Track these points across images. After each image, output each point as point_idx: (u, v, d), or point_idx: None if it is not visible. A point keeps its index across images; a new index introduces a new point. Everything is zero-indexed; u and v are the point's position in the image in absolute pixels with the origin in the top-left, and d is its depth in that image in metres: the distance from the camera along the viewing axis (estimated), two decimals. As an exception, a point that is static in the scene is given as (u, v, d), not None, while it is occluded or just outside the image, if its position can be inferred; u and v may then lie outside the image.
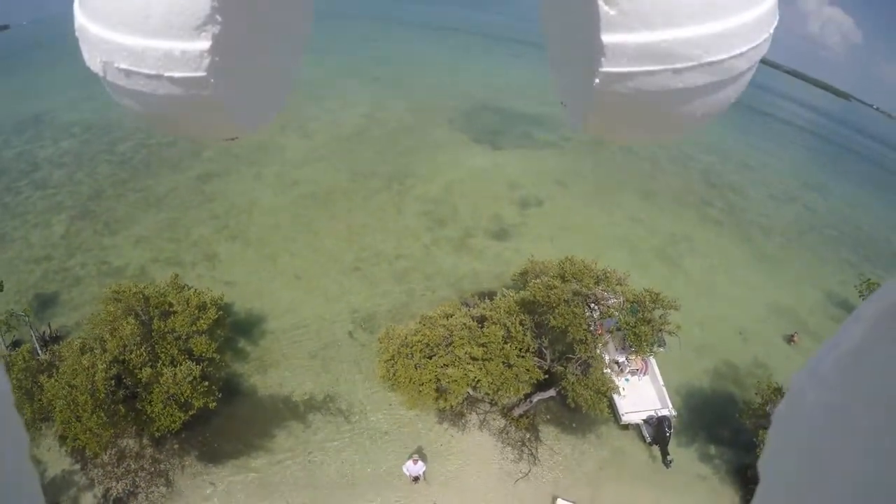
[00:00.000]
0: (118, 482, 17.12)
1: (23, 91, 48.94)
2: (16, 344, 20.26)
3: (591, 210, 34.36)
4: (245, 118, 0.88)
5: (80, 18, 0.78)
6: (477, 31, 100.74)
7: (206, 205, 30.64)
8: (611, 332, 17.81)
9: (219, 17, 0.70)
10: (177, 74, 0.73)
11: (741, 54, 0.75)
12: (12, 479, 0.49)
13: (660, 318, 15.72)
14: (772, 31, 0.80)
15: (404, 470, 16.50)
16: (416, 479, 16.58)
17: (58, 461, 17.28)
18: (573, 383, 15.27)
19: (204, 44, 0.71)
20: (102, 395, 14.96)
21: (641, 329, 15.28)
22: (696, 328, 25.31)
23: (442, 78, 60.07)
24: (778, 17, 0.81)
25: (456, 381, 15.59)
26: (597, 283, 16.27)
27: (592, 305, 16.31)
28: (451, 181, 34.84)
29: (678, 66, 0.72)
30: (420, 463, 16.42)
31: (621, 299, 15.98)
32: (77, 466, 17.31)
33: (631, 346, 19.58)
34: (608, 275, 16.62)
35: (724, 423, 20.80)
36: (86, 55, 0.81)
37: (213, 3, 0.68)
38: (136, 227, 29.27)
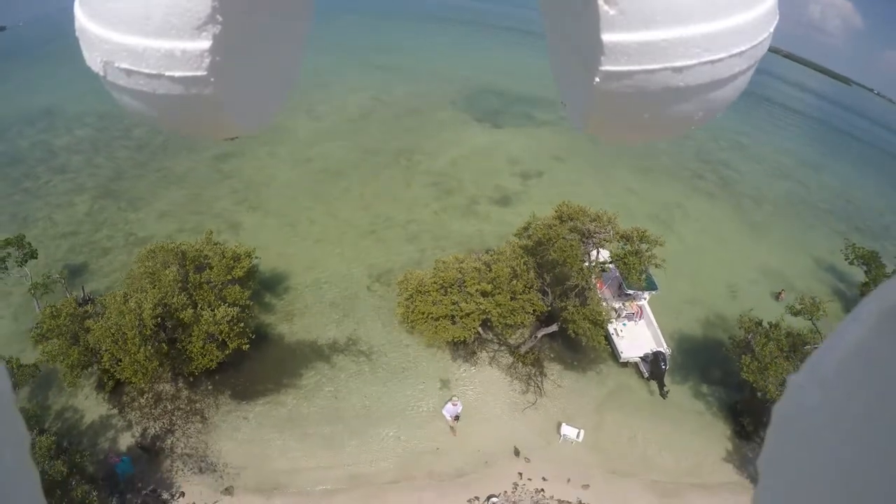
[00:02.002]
0: (155, 421, 18.72)
1: (28, 87, 49.63)
2: None
3: (588, 181, 36.10)
4: (246, 117, 0.90)
5: (81, 18, 0.79)
6: (475, 20, 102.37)
7: (225, 181, 32.34)
8: (604, 268, 19.52)
9: (219, 17, 0.71)
10: (177, 74, 0.75)
11: (741, 53, 0.76)
12: (13, 477, 0.50)
13: (646, 250, 17.48)
14: (772, 29, 0.81)
15: (444, 413, 17.79)
16: (456, 418, 17.88)
17: (95, 408, 18.87)
18: (573, 313, 17.00)
19: (205, 43, 0.73)
20: (149, 331, 16.65)
21: (631, 260, 17.07)
22: (688, 283, 27.08)
23: (443, 64, 61.80)
24: (778, 16, 0.82)
25: (469, 314, 17.33)
26: (591, 222, 18.00)
27: (587, 240, 18.08)
28: (455, 157, 36.69)
29: (678, 64, 0.73)
30: (459, 404, 17.80)
31: (611, 232, 17.74)
32: (115, 411, 18.86)
33: (626, 292, 21.48)
34: (600, 216, 18.36)
35: (715, 365, 22.45)
36: (86, 55, 0.82)
37: (214, 2, 0.70)
38: (158, 203, 30.91)
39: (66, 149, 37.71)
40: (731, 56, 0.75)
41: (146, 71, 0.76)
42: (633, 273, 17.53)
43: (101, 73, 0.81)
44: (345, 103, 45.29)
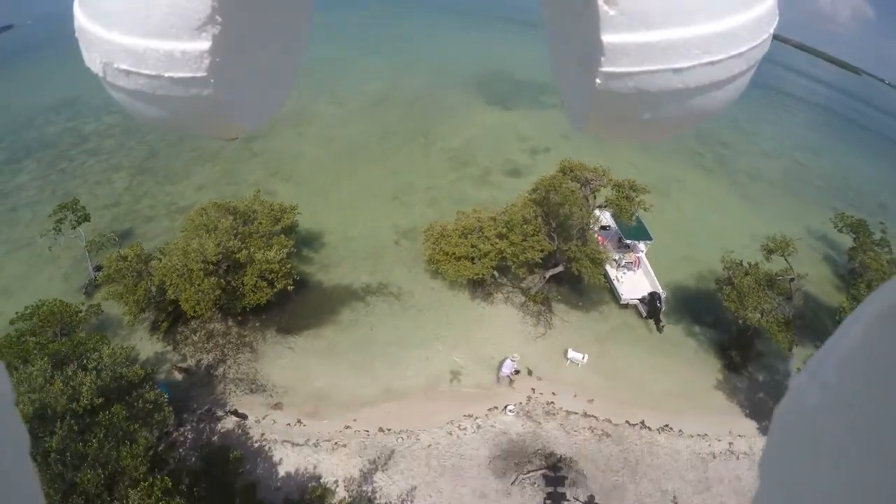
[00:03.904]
0: (208, 354, 21.26)
1: (47, 81, 50.59)
2: (97, 269, 23.54)
3: (592, 156, 37.85)
4: (245, 117, 0.91)
5: (80, 19, 0.80)
6: (483, 12, 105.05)
7: (257, 158, 35.17)
8: (601, 207, 22.25)
9: (219, 18, 0.72)
10: (177, 75, 0.76)
11: (741, 54, 0.77)
12: (13, 477, 0.50)
13: (636, 196, 20.28)
14: (772, 30, 0.82)
15: (503, 370, 19.43)
16: (516, 372, 19.64)
17: (150, 346, 21.29)
18: (575, 252, 19.67)
19: (204, 44, 0.73)
20: (212, 266, 19.37)
21: (623, 203, 19.88)
22: (684, 245, 29.63)
23: (454, 52, 64.92)
24: (778, 17, 0.83)
25: (486, 254, 20.02)
26: (589, 173, 20.87)
27: (585, 186, 20.92)
28: (469, 135, 39.56)
29: (678, 65, 0.74)
30: (516, 360, 19.58)
31: (605, 180, 20.58)
32: (169, 347, 21.39)
33: (625, 242, 24.21)
34: (596, 168, 21.23)
35: (707, 311, 24.95)
36: (85, 55, 0.83)
37: (214, 3, 0.71)
38: (194, 177, 33.68)
39: (96, 134, 40.23)
40: (730, 57, 0.76)
41: (146, 72, 0.77)
42: (624, 213, 20.26)
43: (101, 74, 0.83)
44: (363, 89, 48.27)
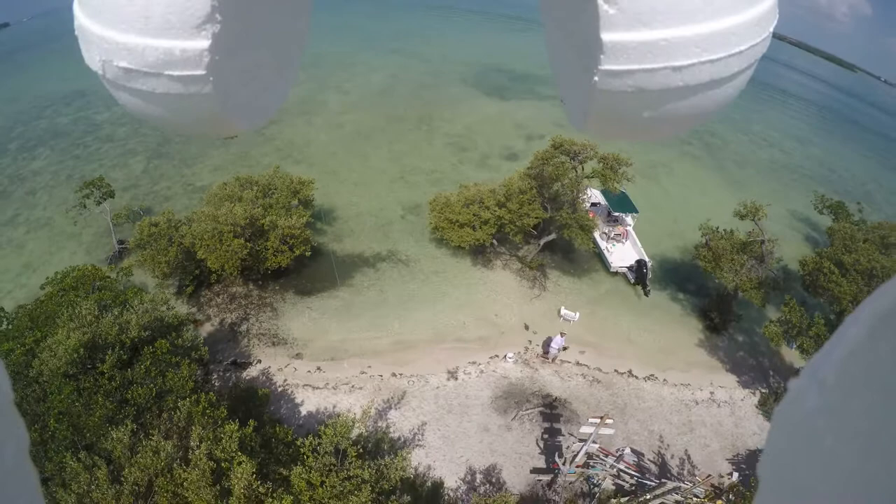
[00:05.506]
0: (231, 313, 23.11)
1: (52, 75, 50.51)
2: (121, 243, 25.87)
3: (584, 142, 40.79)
4: (244, 116, 0.92)
5: (80, 17, 0.81)
6: (479, 10, 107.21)
7: (269, 143, 37.14)
8: (588, 177, 24.34)
9: (218, 16, 0.73)
10: (177, 73, 0.77)
11: (741, 52, 0.77)
12: (13, 477, 0.50)
13: (620, 168, 22.43)
14: (772, 28, 0.83)
15: (553, 346, 20.82)
16: (565, 349, 21.02)
17: (175, 309, 22.71)
18: (566, 219, 21.73)
19: (204, 42, 0.74)
20: (241, 228, 21.26)
21: (608, 173, 21.95)
22: (670, 222, 31.73)
23: (452, 48, 67.13)
24: (778, 15, 0.84)
25: (486, 221, 22.05)
26: (577, 147, 22.98)
27: (573, 158, 23.07)
28: (469, 123, 41.77)
29: (677, 63, 0.74)
30: (563, 338, 20.76)
31: (591, 152, 22.81)
32: (194, 309, 23.06)
33: (613, 215, 26.29)
34: (585, 145, 23.26)
35: (690, 280, 27.06)
36: (85, 54, 0.84)
37: (213, 2, 0.72)
38: (210, 160, 35.45)
39: (109, 122, 41.32)
40: (730, 55, 0.77)
41: (145, 70, 0.78)
42: (609, 182, 22.33)
43: (100, 72, 0.83)
44: (368, 80, 50.45)
